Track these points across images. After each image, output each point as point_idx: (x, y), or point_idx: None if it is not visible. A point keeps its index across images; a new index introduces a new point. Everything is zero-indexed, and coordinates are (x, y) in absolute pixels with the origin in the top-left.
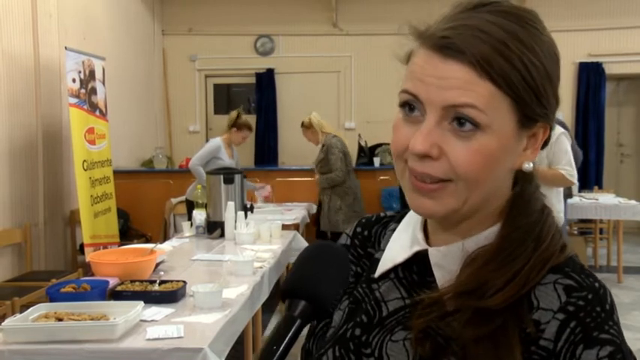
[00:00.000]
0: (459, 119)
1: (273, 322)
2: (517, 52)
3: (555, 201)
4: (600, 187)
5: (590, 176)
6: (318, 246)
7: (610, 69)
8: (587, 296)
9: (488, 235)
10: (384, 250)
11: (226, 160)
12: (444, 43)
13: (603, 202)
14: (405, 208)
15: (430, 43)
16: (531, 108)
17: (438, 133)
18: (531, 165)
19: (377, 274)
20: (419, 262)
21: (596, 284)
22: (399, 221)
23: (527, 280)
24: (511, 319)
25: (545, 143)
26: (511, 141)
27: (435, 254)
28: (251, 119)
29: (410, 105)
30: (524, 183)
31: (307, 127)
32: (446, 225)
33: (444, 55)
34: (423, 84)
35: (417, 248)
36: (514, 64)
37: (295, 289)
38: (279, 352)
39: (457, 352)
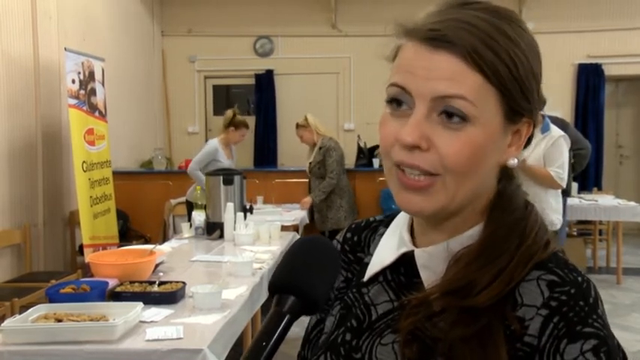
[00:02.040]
0: (448, 112)
1: None
2: (504, 45)
3: (553, 201)
4: (599, 189)
5: (590, 177)
6: (306, 240)
7: (609, 70)
8: (569, 291)
9: (472, 234)
10: (373, 255)
11: (225, 162)
12: (433, 35)
13: (602, 204)
14: None
15: (419, 36)
16: (517, 101)
17: (427, 125)
18: (516, 161)
19: (366, 278)
20: (406, 264)
21: (579, 278)
22: (387, 225)
23: (512, 277)
24: (496, 318)
25: (528, 141)
26: (498, 135)
27: (420, 255)
28: (250, 120)
29: (397, 100)
30: (506, 181)
31: (304, 126)
32: (431, 224)
33: (433, 47)
34: (413, 75)
35: (403, 250)
36: (502, 56)
37: (284, 284)
38: (268, 347)
39: (444, 353)
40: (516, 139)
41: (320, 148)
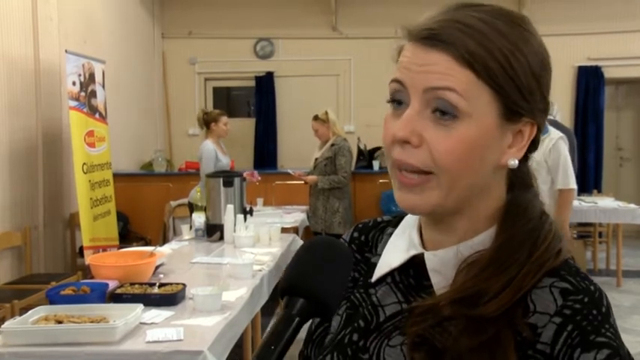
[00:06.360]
0: (441, 110)
1: None
2: (498, 43)
3: (554, 203)
4: (599, 191)
5: (590, 180)
6: (316, 241)
7: (609, 73)
8: (583, 299)
9: (483, 239)
10: (380, 255)
11: (223, 159)
12: (427, 35)
13: (602, 206)
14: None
15: (416, 36)
16: (513, 100)
17: (420, 121)
18: (516, 162)
19: (374, 279)
20: (415, 266)
21: (592, 287)
22: (395, 225)
23: (522, 286)
24: (506, 327)
25: (535, 144)
26: (494, 134)
27: (431, 259)
28: (250, 122)
29: (398, 100)
30: (520, 189)
31: (323, 120)
32: (438, 226)
33: (427, 46)
34: (408, 71)
35: (413, 252)
36: (494, 54)
37: (293, 286)
38: (277, 351)
39: (454, 358)
40: (518, 140)
41: (332, 145)
